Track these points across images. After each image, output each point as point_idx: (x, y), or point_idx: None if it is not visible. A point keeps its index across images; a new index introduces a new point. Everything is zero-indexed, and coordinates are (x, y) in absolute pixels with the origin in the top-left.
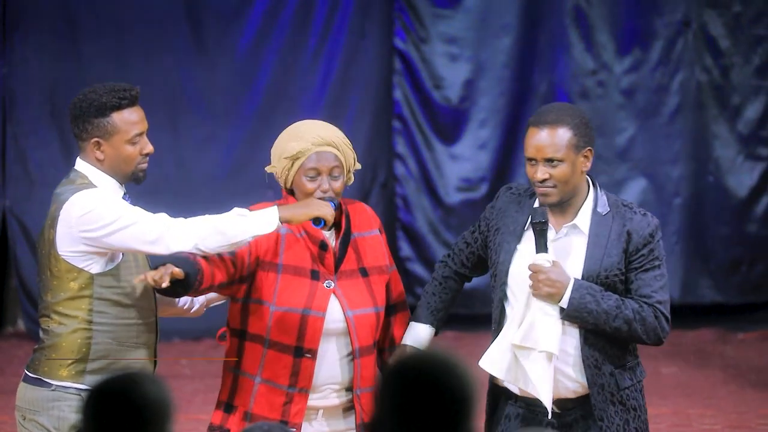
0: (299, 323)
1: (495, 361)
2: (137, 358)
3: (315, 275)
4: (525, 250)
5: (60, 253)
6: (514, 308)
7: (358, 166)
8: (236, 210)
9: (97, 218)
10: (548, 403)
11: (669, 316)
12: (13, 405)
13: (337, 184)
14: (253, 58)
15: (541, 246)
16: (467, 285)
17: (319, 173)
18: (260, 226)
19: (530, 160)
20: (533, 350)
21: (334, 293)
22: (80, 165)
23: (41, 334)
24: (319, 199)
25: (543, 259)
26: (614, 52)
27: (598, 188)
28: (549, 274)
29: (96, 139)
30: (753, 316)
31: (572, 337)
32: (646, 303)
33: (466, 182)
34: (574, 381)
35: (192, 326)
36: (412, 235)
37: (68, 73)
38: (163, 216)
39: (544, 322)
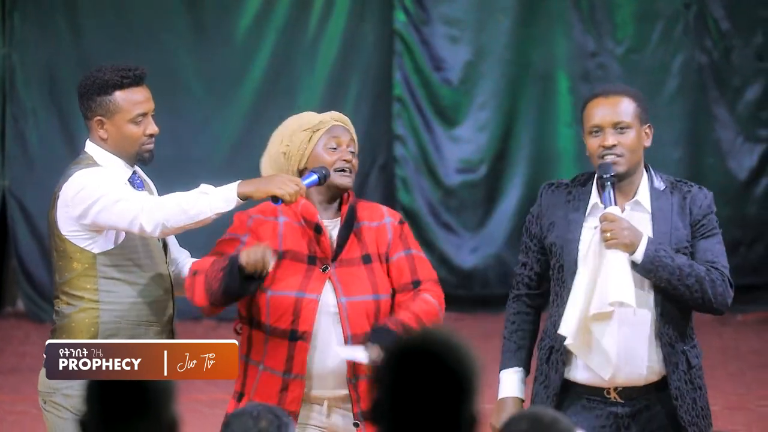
0: (294, 306)
1: (568, 326)
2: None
3: (312, 260)
4: (589, 234)
5: (62, 233)
6: (577, 279)
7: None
8: (201, 187)
9: (86, 197)
10: (609, 373)
11: (732, 283)
12: (12, 384)
13: (355, 161)
14: (253, 39)
15: (610, 199)
16: (466, 266)
17: (339, 145)
18: (220, 203)
19: (594, 130)
20: (608, 319)
21: (329, 278)
22: (88, 146)
23: (54, 315)
24: (340, 169)
25: (617, 211)
26: (614, 33)
27: (650, 168)
28: (628, 223)
29: (99, 117)
30: (752, 298)
31: (647, 310)
32: (712, 267)
33: (466, 164)
34: (644, 364)
35: (191, 306)
36: (412, 217)
37: (68, 54)
38: (142, 195)
39: (617, 274)
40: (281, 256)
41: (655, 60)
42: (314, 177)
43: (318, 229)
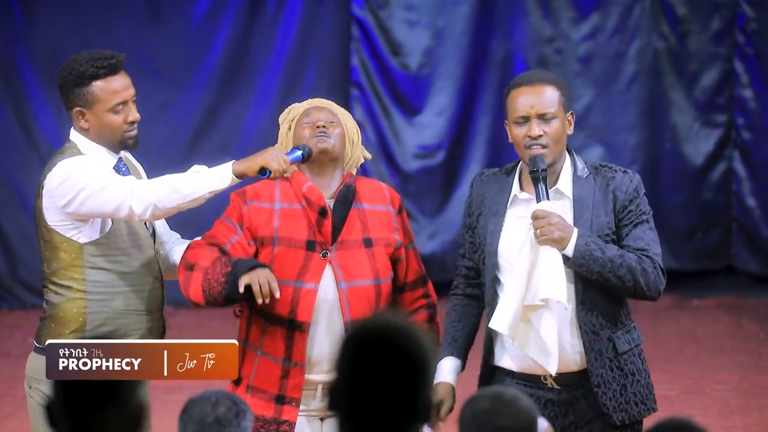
0: (292, 296)
1: (503, 319)
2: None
3: (311, 246)
4: (511, 225)
5: (49, 223)
6: (513, 273)
7: (368, 155)
8: (194, 167)
9: (71, 186)
10: (553, 366)
11: (664, 269)
12: None
13: (336, 130)
14: (210, 24)
15: (543, 194)
16: (424, 252)
17: (315, 120)
18: (215, 181)
19: (520, 120)
20: (544, 309)
21: (330, 263)
22: (72, 134)
23: (44, 304)
24: (316, 135)
25: (547, 206)
26: (571, 19)
27: (574, 153)
28: (558, 218)
29: (78, 108)
30: (708, 283)
31: (569, 302)
32: (644, 255)
33: (424, 149)
34: (574, 350)
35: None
36: None
37: (23, 40)
38: (129, 180)
39: (549, 271)
40: (278, 243)
41: (611, 45)
42: (298, 153)
43: (323, 212)
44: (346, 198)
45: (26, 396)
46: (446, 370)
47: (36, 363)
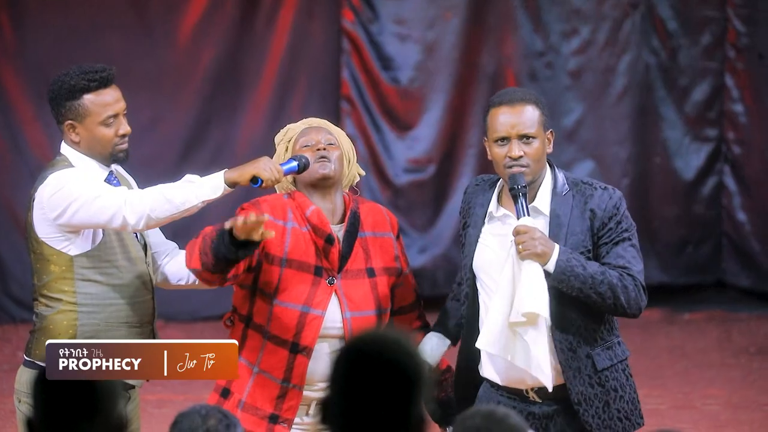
0: (298, 320)
1: (490, 339)
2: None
3: (318, 271)
4: (485, 241)
5: (39, 236)
6: (497, 291)
7: (362, 172)
8: (186, 176)
9: (63, 198)
10: (549, 381)
11: (645, 287)
12: None
13: (335, 152)
14: (200, 37)
15: (523, 211)
16: (414, 266)
17: (314, 142)
18: (207, 191)
19: (501, 140)
20: (531, 325)
21: (335, 292)
22: (63, 148)
23: (34, 317)
24: (317, 159)
25: (529, 222)
26: (562, 33)
27: (556, 169)
28: (540, 233)
29: (69, 121)
30: (699, 297)
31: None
32: (625, 273)
33: (415, 163)
34: (552, 367)
35: (189, 306)
36: None
37: (12, 54)
38: (121, 190)
39: (531, 285)
40: (286, 264)
41: (602, 60)
42: (294, 164)
43: (330, 240)
44: (354, 228)
45: (15, 410)
46: (426, 344)
47: (26, 376)
